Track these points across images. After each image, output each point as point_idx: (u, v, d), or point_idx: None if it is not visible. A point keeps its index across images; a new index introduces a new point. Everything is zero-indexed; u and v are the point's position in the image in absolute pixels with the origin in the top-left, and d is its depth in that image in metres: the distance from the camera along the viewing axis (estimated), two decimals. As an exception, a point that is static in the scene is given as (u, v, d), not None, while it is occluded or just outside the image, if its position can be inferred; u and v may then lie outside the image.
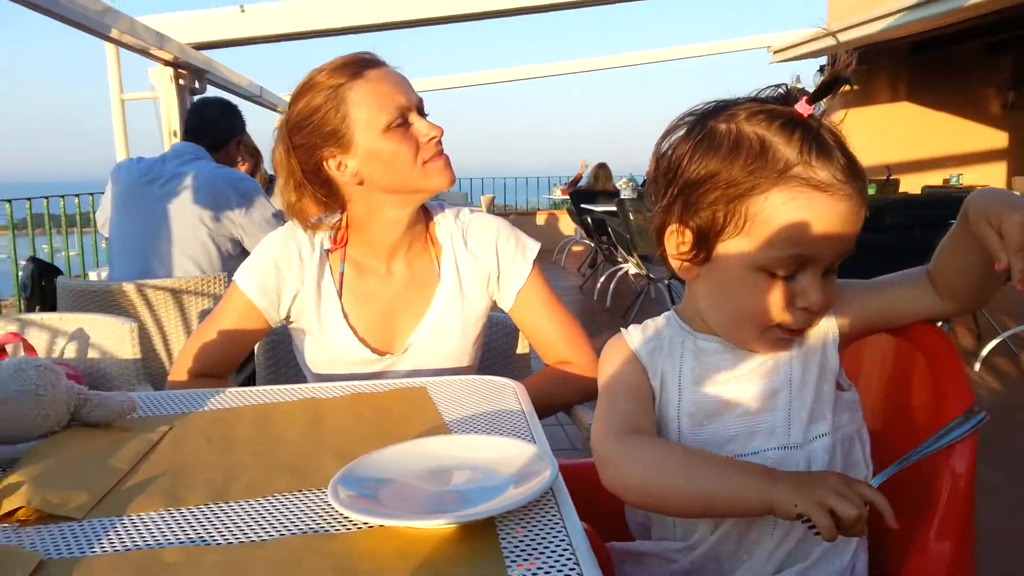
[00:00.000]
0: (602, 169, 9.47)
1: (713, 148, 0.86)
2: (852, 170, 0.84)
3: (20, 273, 3.44)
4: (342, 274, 1.42)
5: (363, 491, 0.81)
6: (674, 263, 0.93)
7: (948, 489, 0.84)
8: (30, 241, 4.99)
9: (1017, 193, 0.82)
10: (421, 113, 1.36)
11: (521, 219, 11.61)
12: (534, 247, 1.49)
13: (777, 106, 0.87)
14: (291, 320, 1.45)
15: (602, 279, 7.18)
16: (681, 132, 0.91)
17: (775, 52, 11.70)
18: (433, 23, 6.68)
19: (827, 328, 0.93)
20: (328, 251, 1.43)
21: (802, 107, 0.85)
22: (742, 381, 0.93)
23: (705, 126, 0.88)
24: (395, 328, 1.43)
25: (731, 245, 0.87)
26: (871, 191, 7.78)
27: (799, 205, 0.82)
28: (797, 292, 0.85)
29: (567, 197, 9.88)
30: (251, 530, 0.77)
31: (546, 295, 1.47)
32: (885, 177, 9.06)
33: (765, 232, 0.84)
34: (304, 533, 0.76)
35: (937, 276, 0.92)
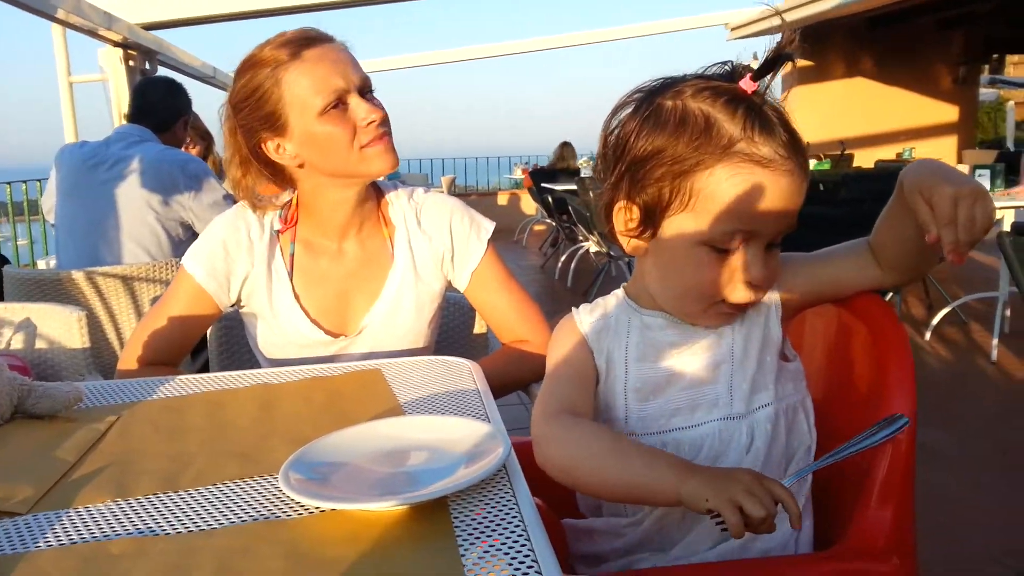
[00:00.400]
0: (566, 147, 9.46)
1: (659, 125, 0.87)
2: (794, 146, 0.86)
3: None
4: (292, 255, 1.41)
5: (315, 475, 0.80)
6: (622, 240, 0.94)
7: (889, 455, 0.86)
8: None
9: (958, 166, 0.84)
10: (364, 94, 1.32)
11: (482, 199, 11.59)
12: (488, 227, 1.48)
13: (723, 83, 0.88)
14: (242, 304, 1.43)
15: (563, 258, 7.20)
16: (629, 109, 0.92)
17: (732, 29, 11.77)
18: (387, 1, 6.60)
19: (769, 300, 0.95)
20: (278, 232, 1.41)
21: (746, 84, 0.86)
22: (684, 355, 0.95)
23: (652, 103, 0.89)
24: (348, 309, 1.42)
25: (677, 221, 0.88)
26: (826, 166, 7.91)
27: (742, 180, 0.84)
28: (740, 267, 0.87)
29: (527, 176, 9.87)
30: (200, 519, 0.76)
31: (501, 274, 1.47)
32: (840, 152, 9.20)
33: (709, 207, 0.85)
34: (255, 520, 0.75)
35: (877, 248, 0.94)
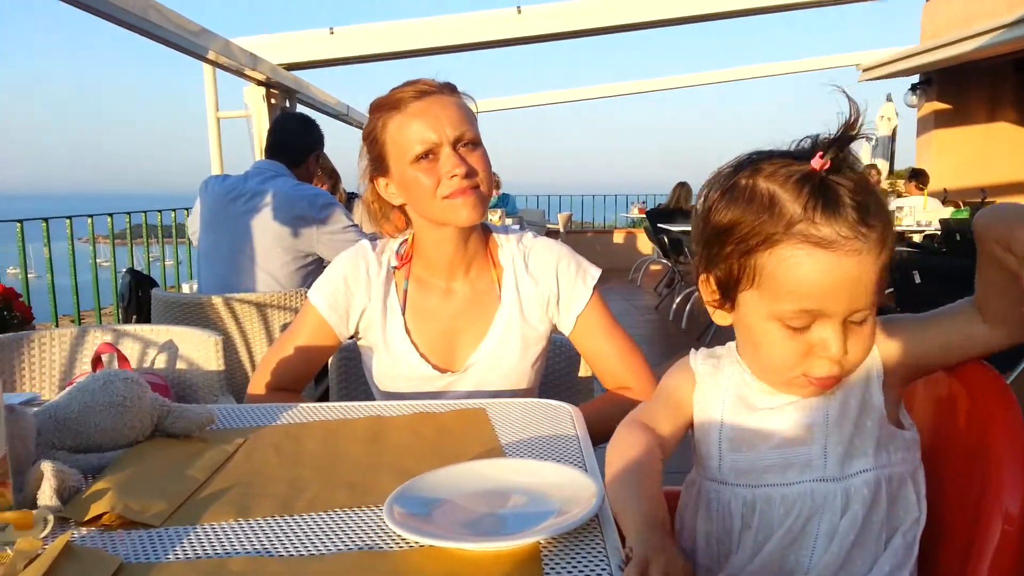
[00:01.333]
0: (683, 188, 9.36)
1: (733, 201, 0.90)
2: (867, 222, 0.85)
3: (119, 284, 3.65)
4: (406, 291, 1.49)
5: (416, 510, 0.85)
6: (709, 310, 0.97)
7: (1000, 530, 0.83)
8: (129, 252, 5.28)
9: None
10: (457, 147, 1.38)
11: (598, 237, 11.59)
12: (595, 273, 1.52)
13: (796, 161, 0.89)
14: (359, 336, 1.52)
15: (678, 300, 7.10)
16: (717, 182, 0.95)
17: (864, 70, 11.39)
18: (516, 43, 6.78)
19: (871, 364, 0.94)
20: (395, 268, 1.50)
21: (816, 162, 0.87)
22: (776, 415, 0.95)
23: (732, 178, 0.92)
24: (456, 347, 1.48)
25: (747, 297, 0.91)
26: (964, 215, 7.48)
27: (799, 261, 0.85)
28: (818, 343, 0.87)
29: (644, 216, 9.81)
30: (312, 543, 0.82)
31: (606, 321, 1.50)
32: (980, 200, 8.69)
33: (772, 286, 0.87)
34: (360, 549, 0.80)
35: (981, 304, 0.91)
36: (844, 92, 0.88)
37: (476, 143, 1.41)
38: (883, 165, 13.19)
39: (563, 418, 1.21)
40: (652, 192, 13.47)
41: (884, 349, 0.95)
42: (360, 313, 1.49)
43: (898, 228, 7.13)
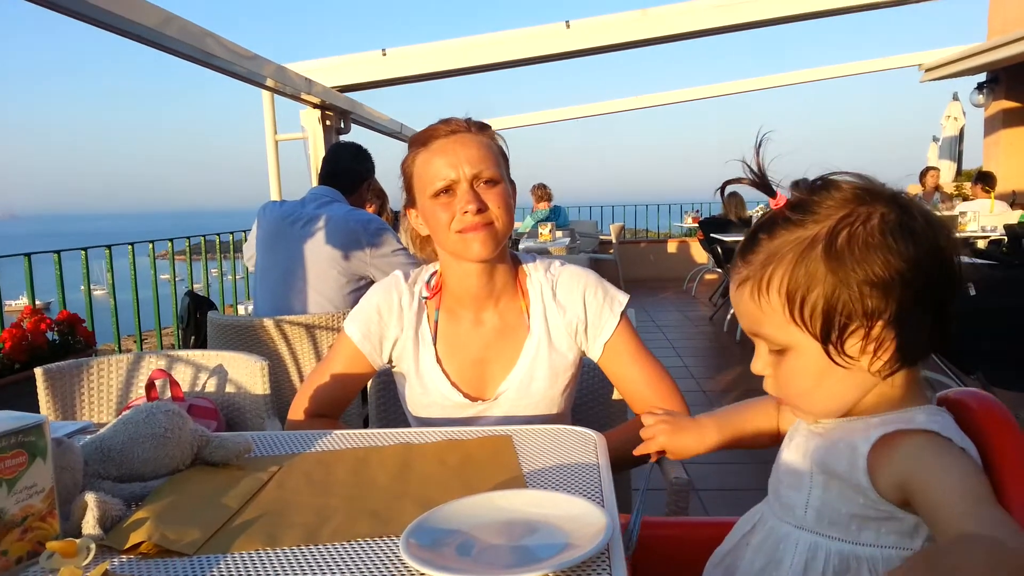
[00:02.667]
0: (732, 198, 9.22)
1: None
2: (747, 250, 0.91)
3: (178, 306, 3.80)
4: (437, 321, 1.53)
5: (432, 543, 0.88)
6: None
7: None
8: (188, 274, 5.48)
9: None
10: (475, 184, 1.42)
11: (652, 247, 11.52)
12: (623, 299, 1.54)
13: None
14: (393, 364, 1.57)
15: (732, 310, 7.01)
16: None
17: (927, 70, 11.08)
18: (566, 57, 6.82)
19: (862, 449, 0.89)
20: (426, 299, 1.55)
21: (777, 200, 0.90)
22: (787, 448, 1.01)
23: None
24: (486, 376, 1.52)
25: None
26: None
27: None
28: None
29: (697, 225, 9.72)
30: (332, 573, 0.86)
31: (633, 347, 1.52)
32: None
33: None
34: (377, 578, 0.84)
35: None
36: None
37: (495, 181, 1.44)
38: (950, 166, 12.78)
39: (587, 445, 1.23)
40: (708, 200, 13.32)
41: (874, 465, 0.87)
42: (393, 343, 1.54)
43: (962, 234, 6.90)
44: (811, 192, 0.87)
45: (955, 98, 13.07)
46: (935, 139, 13.62)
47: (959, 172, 12.87)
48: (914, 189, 9.54)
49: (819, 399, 0.90)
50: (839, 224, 0.83)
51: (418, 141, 1.48)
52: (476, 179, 1.43)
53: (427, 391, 1.51)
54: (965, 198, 9.79)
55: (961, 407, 0.92)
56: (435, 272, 1.57)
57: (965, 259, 4.35)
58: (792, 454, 0.97)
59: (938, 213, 0.88)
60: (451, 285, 1.53)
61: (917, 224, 0.83)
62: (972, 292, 2.79)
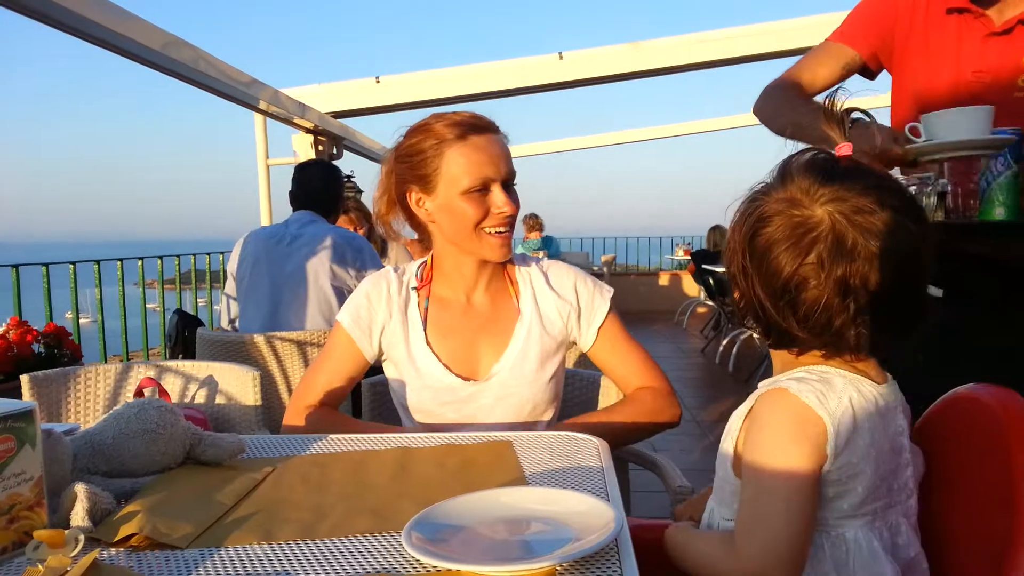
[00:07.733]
0: (716, 231, 9.26)
1: None
2: None
3: (167, 324, 3.76)
4: (426, 309, 1.56)
5: (435, 536, 0.85)
6: None
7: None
8: (177, 295, 5.42)
9: None
10: (507, 186, 1.47)
11: (642, 279, 11.54)
12: (610, 289, 1.62)
13: None
14: (383, 353, 1.57)
15: (724, 342, 7.01)
16: None
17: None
18: (559, 88, 6.88)
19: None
20: (415, 289, 1.57)
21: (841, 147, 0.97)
22: None
23: None
24: (478, 357, 1.54)
25: None
26: None
27: None
28: None
29: (689, 258, 9.75)
30: (331, 566, 0.83)
31: (623, 332, 1.60)
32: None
33: None
34: (378, 571, 0.81)
35: None
36: None
37: (515, 183, 1.51)
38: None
39: (589, 451, 1.21)
40: (699, 234, 13.38)
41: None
42: (382, 329, 1.55)
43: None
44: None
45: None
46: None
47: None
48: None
49: None
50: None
51: (441, 133, 1.44)
52: (507, 180, 1.48)
53: (420, 374, 1.51)
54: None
55: (975, 404, 0.90)
56: (423, 263, 1.60)
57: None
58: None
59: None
60: (446, 271, 1.56)
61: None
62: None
